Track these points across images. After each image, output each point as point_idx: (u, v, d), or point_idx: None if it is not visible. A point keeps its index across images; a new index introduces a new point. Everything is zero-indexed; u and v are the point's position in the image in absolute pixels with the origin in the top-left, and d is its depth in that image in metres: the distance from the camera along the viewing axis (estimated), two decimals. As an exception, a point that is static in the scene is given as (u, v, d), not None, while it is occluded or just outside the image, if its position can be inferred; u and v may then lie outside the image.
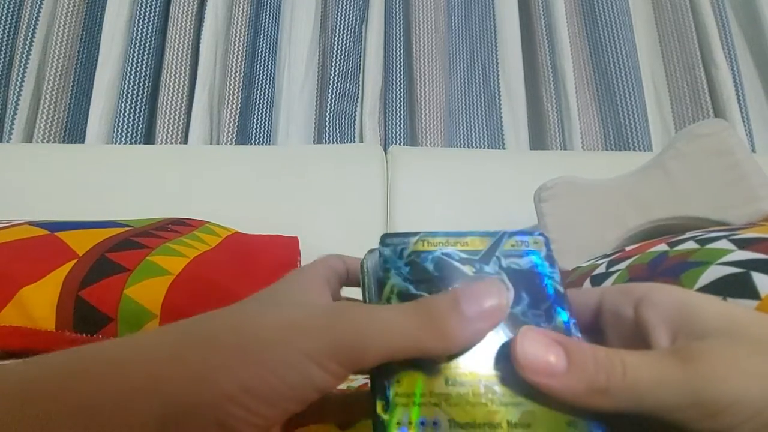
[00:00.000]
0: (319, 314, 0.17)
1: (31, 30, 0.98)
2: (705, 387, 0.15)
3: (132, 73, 0.98)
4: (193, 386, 0.15)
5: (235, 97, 1.01)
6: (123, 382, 0.15)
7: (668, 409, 0.15)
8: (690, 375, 0.15)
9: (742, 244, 0.36)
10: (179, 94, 1.00)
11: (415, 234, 0.20)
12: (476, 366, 0.17)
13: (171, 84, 0.99)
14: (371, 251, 0.21)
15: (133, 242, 0.52)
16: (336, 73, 1.03)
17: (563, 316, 0.18)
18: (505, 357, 0.16)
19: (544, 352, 0.16)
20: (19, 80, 0.96)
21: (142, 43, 0.99)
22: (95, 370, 0.16)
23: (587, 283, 0.45)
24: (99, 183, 0.82)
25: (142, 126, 0.99)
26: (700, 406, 0.15)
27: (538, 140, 1.07)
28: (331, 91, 1.02)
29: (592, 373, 0.15)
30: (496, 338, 0.17)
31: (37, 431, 0.14)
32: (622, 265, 0.43)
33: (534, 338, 0.16)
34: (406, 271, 0.19)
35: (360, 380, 0.33)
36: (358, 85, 1.08)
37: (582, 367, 0.16)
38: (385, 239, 0.20)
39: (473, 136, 1.07)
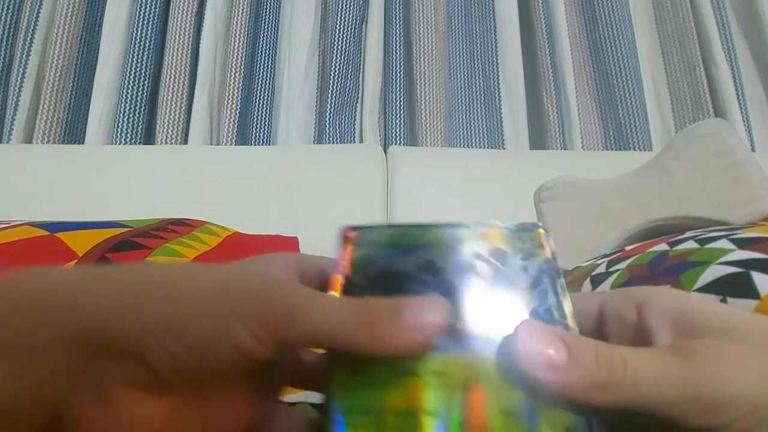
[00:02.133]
0: (259, 280, 0.17)
1: (30, 30, 0.98)
2: (703, 383, 0.15)
3: (132, 73, 0.98)
4: (113, 315, 0.15)
5: (235, 97, 1.01)
6: (32, 304, 0.15)
7: (667, 405, 0.15)
8: (688, 371, 0.16)
9: (742, 243, 0.36)
10: (179, 95, 1.00)
11: (389, 226, 0.20)
12: (471, 364, 0.16)
13: (171, 84, 0.99)
14: (348, 228, 0.21)
15: (133, 243, 0.52)
16: (336, 73, 1.03)
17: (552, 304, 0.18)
18: (501, 353, 0.16)
19: (545, 346, 0.16)
20: (19, 80, 0.96)
21: (142, 43, 0.99)
22: (16, 289, 0.16)
23: (587, 283, 0.45)
24: (99, 183, 0.82)
25: (142, 126, 0.99)
26: (697, 402, 0.15)
27: (538, 140, 1.07)
28: (331, 91, 1.02)
29: (592, 368, 0.15)
30: (490, 334, 0.17)
31: None
32: (622, 265, 0.43)
33: (534, 331, 0.16)
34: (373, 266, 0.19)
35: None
36: (358, 85, 1.08)
37: (583, 361, 0.16)
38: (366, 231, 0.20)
39: (473, 136, 1.07)
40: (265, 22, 1.08)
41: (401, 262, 0.19)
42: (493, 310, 0.18)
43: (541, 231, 0.20)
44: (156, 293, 0.16)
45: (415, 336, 0.16)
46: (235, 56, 1.02)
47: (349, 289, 0.19)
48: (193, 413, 0.16)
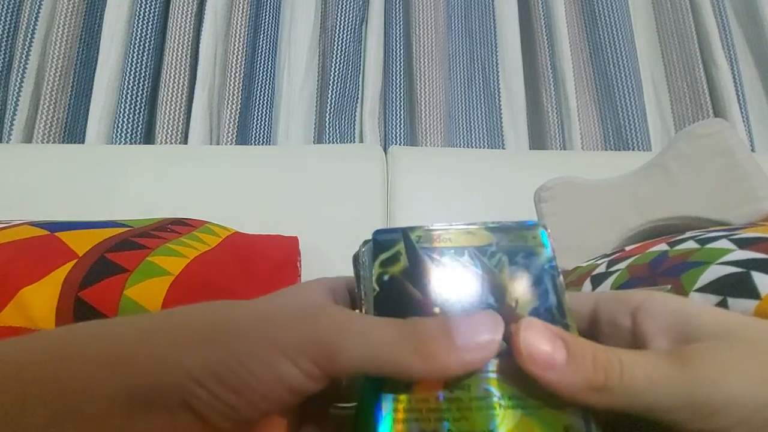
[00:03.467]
0: (299, 310, 0.16)
1: (30, 30, 0.98)
2: (700, 388, 0.15)
3: (132, 73, 0.98)
4: (158, 367, 0.15)
5: (235, 97, 1.01)
6: (89, 360, 0.15)
7: (663, 410, 0.15)
8: (685, 376, 0.15)
9: (742, 243, 0.36)
10: (179, 94, 1.00)
11: (411, 228, 0.20)
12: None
13: (171, 84, 0.99)
14: (366, 242, 0.20)
15: (132, 243, 0.52)
16: (336, 74, 1.03)
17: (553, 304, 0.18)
18: (502, 359, 0.16)
19: (545, 344, 0.16)
20: (19, 80, 0.96)
21: (141, 43, 0.99)
22: (65, 349, 0.16)
23: (587, 283, 0.45)
24: (99, 183, 0.82)
25: (142, 126, 0.99)
26: (694, 407, 0.15)
27: (537, 140, 1.07)
28: (331, 91, 1.02)
29: (590, 370, 0.15)
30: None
31: (11, 410, 0.14)
32: (622, 265, 0.43)
33: (536, 330, 0.16)
34: (397, 268, 0.19)
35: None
36: (358, 85, 1.08)
37: (581, 362, 0.16)
38: (376, 235, 0.20)
39: (473, 136, 1.07)
40: (265, 22, 1.08)
41: (417, 269, 0.19)
42: (495, 309, 0.18)
43: (542, 230, 0.20)
44: (197, 337, 0.15)
45: (472, 357, 0.16)
46: (235, 56, 1.02)
47: (382, 303, 0.18)
48: None
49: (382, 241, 0.19)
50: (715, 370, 0.16)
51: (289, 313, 0.16)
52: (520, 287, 0.18)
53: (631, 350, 0.16)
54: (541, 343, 0.16)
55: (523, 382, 0.16)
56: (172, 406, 0.14)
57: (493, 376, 0.16)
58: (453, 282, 0.18)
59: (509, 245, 0.19)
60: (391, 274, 0.18)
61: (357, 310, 0.19)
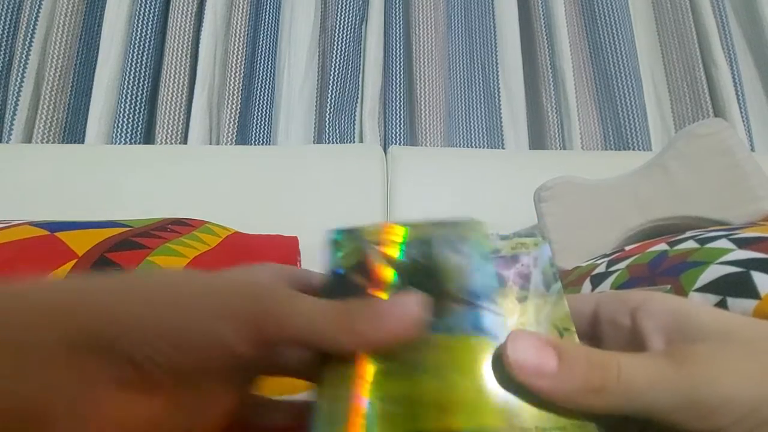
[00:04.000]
0: (244, 284, 0.18)
1: (30, 30, 0.98)
2: (698, 388, 0.15)
3: (131, 73, 0.98)
4: (103, 317, 0.16)
5: (235, 97, 1.01)
6: (31, 306, 0.16)
7: (662, 410, 0.15)
8: (683, 376, 0.16)
9: (742, 243, 0.36)
10: (179, 94, 1.00)
11: (361, 227, 0.21)
12: (459, 378, 0.17)
13: (170, 84, 0.99)
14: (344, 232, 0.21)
15: (132, 242, 0.52)
16: (336, 73, 1.03)
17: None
18: (494, 362, 0.17)
19: (533, 354, 0.16)
20: (19, 80, 0.96)
21: (141, 43, 0.99)
22: (9, 294, 0.16)
23: (587, 283, 0.45)
24: (99, 183, 0.82)
25: (142, 126, 0.99)
26: (692, 406, 0.15)
27: (537, 140, 1.07)
28: (331, 91, 1.02)
29: (584, 372, 0.16)
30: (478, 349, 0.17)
31: None
32: (622, 265, 0.43)
33: (525, 341, 0.16)
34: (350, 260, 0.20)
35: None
36: (358, 85, 1.08)
37: (574, 366, 0.16)
38: (331, 234, 0.21)
39: (473, 136, 1.07)
40: (265, 22, 1.08)
41: (391, 263, 0.19)
42: (489, 317, 0.18)
43: (539, 236, 0.20)
44: (147, 296, 0.16)
45: (395, 329, 0.16)
46: (235, 56, 1.02)
47: (332, 291, 0.19)
48: (179, 411, 0.16)
49: (335, 239, 0.21)
50: (713, 370, 0.16)
51: (235, 285, 0.17)
52: (518, 293, 0.19)
53: (627, 353, 0.17)
54: (529, 353, 0.16)
55: (519, 389, 0.16)
56: (115, 354, 0.15)
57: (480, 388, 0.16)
58: (396, 272, 0.19)
59: (506, 251, 0.20)
60: (343, 267, 0.20)
61: None
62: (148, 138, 1.00)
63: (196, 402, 0.17)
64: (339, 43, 1.05)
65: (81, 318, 0.15)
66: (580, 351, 0.16)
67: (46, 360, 0.15)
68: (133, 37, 0.99)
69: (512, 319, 0.18)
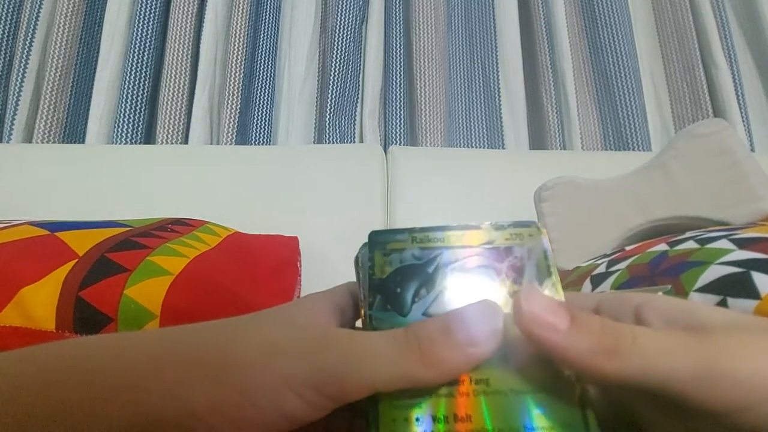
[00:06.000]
0: (304, 339, 0.16)
1: (30, 30, 0.98)
2: (719, 357, 0.14)
3: (132, 73, 0.98)
4: (164, 400, 0.15)
5: (235, 97, 1.01)
6: (96, 385, 0.15)
7: (678, 380, 0.14)
8: (704, 344, 0.15)
9: (742, 243, 0.36)
10: (179, 95, 1.00)
11: (403, 231, 0.20)
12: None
13: (171, 84, 0.99)
14: (365, 245, 0.21)
15: (133, 242, 0.52)
16: (336, 73, 1.03)
17: None
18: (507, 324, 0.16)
19: (549, 309, 0.15)
20: (19, 80, 0.96)
21: (142, 43, 0.99)
22: (79, 370, 0.16)
23: (587, 283, 0.45)
24: (99, 183, 0.82)
25: (142, 126, 0.99)
26: (712, 377, 0.14)
27: (537, 140, 1.07)
28: (331, 91, 1.02)
29: (598, 333, 0.15)
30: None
31: (13, 429, 0.14)
32: (622, 265, 0.43)
33: (539, 296, 0.16)
34: (390, 270, 0.19)
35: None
36: (358, 85, 1.08)
37: (588, 326, 0.15)
38: (373, 236, 0.20)
39: (473, 136, 1.07)
40: (265, 22, 1.08)
41: (411, 268, 0.19)
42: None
43: (537, 229, 0.20)
44: (203, 373, 0.15)
45: (476, 351, 0.15)
46: (235, 56, 1.02)
47: (378, 306, 0.18)
48: None
49: (377, 243, 0.19)
50: (736, 343, 0.15)
51: (296, 344, 0.16)
52: (516, 286, 0.18)
53: (642, 327, 0.16)
54: (543, 306, 0.15)
55: (530, 377, 0.16)
56: None
57: (495, 367, 0.16)
58: (448, 279, 0.18)
59: (504, 244, 0.19)
60: (387, 275, 0.19)
61: (361, 311, 0.19)
62: (149, 138, 1.00)
63: None
64: (339, 43, 1.05)
65: (141, 399, 0.15)
66: (594, 317, 0.16)
67: None
68: (133, 38, 0.99)
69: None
